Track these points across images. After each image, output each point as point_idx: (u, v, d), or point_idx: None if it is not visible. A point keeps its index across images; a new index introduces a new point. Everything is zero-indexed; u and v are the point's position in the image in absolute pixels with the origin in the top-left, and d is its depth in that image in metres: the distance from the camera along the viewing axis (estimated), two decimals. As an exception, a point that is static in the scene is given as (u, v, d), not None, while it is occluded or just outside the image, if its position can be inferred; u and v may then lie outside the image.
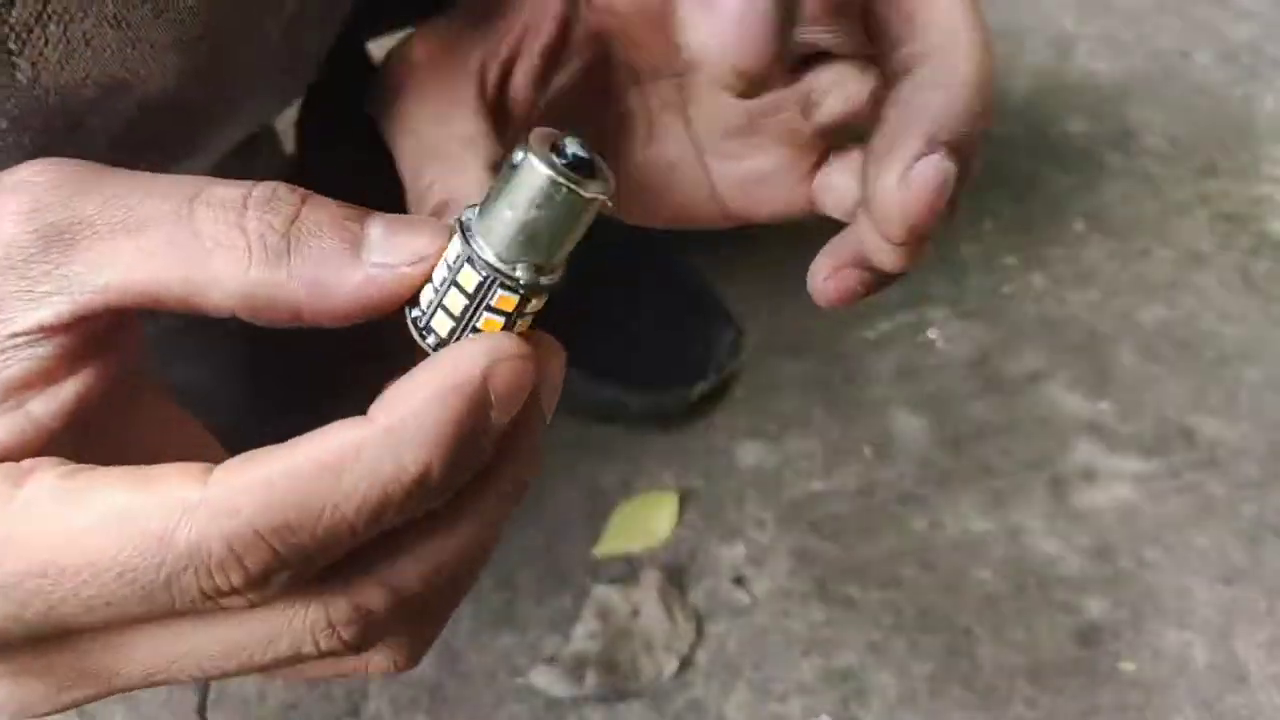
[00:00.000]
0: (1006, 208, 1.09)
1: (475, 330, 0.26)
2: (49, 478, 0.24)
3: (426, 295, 0.26)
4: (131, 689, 0.27)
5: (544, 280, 0.26)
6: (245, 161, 0.73)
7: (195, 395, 0.71)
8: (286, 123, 0.96)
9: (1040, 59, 1.30)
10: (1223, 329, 0.97)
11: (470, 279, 0.26)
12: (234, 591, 0.24)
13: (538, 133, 0.26)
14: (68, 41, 0.31)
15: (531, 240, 0.26)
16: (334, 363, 0.67)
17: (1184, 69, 1.28)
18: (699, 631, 0.75)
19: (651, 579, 0.76)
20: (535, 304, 0.27)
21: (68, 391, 0.26)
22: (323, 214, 0.26)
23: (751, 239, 1.03)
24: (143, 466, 0.24)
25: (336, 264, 0.25)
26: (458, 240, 0.26)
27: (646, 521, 0.81)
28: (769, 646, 0.75)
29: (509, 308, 0.26)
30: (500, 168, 0.26)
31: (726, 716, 0.71)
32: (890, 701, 0.72)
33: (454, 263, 0.26)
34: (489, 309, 0.26)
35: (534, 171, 0.25)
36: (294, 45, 0.43)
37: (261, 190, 0.26)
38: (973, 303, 0.99)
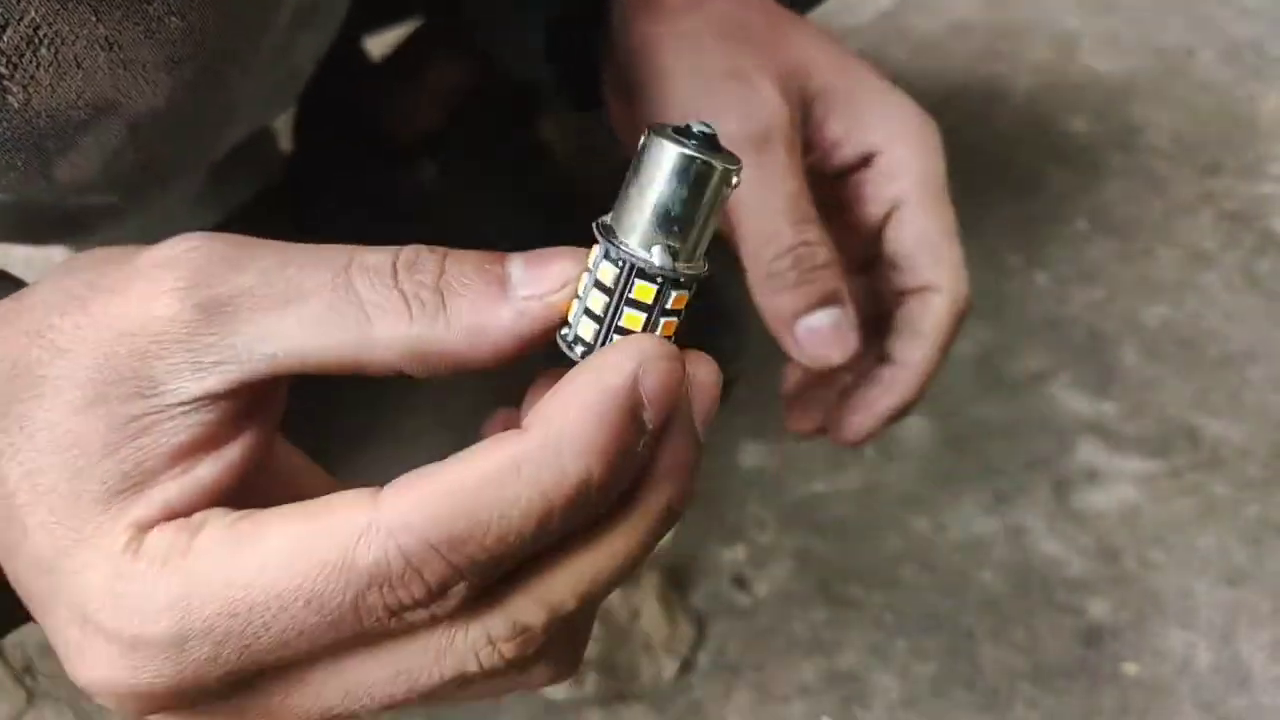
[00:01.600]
0: (1009, 206, 1.09)
1: (619, 329, 0.27)
2: (221, 525, 0.26)
3: (573, 311, 0.27)
4: None
5: (681, 267, 0.26)
6: (239, 161, 0.73)
7: None
8: (284, 121, 0.95)
9: (1043, 57, 1.30)
10: (1226, 328, 0.96)
11: (609, 273, 0.26)
12: (416, 604, 0.25)
13: (659, 124, 0.26)
14: (59, 64, 0.32)
15: (664, 220, 0.26)
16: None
17: (1187, 67, 1.28)
18: (700, 633, 0.75)
19: (652, 581, 0.76)
20: (676, 298, 0.27)
21: (233, 453, 0.27)
22: (466, 264, 0.27)
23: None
24: (307, 501, 0.25)
25: (489, 307, 0.26)
26: (597, 245, 0.27)
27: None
28: (770, 648, 0.74)
29: (648, 298, 0.27)
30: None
31: (727, 718, 0.71)
32: (892, 703, 0.72)
33: (593, 265, 0.27)
34: (629, 303, 0.27)
35: (663, 149, 0.25)
36: (285, 60, 0.44)
37: (407, 253, 0.27)
38: (975, 301, 0.99)
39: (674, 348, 0.26)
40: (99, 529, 0.26)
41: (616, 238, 0.26)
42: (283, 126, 0.95)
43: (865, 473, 0.85)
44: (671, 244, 0.26)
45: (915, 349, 0.49)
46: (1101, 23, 1.35)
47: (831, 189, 0.51)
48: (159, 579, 0.25)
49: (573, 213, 0.91)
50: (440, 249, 0.27)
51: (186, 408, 0.26)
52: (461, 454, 0.25)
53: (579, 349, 0.27)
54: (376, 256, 0.27)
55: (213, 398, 0.26)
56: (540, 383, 0.30)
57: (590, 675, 0.71)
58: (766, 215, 0.45)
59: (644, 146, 0.26)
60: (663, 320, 0.27)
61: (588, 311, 0.27)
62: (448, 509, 0.24)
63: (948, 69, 1.29)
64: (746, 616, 0.76)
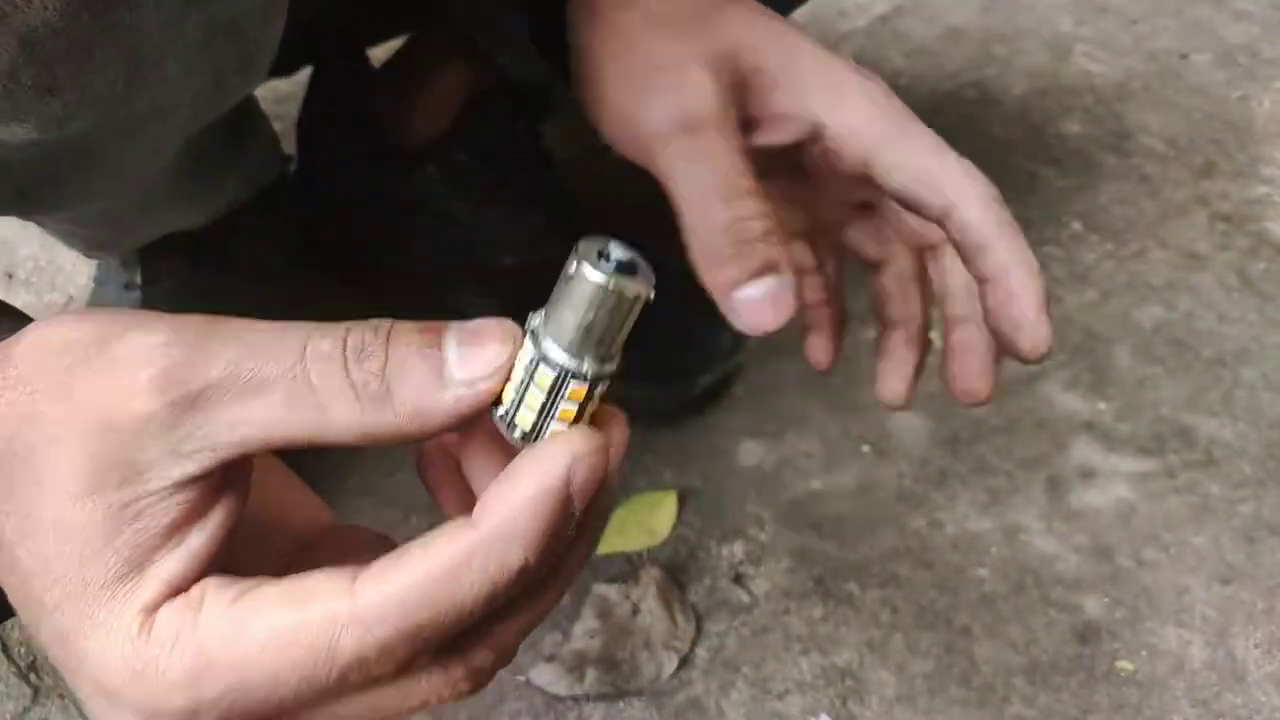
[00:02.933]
0: (1004, 208, 1.10)
1: (554, 419, 0.31)
2: (220, 603, 0.30)
3: (508, 394, 0.31)
4: None
5: (607, 368, 0.31)
6: (228, 159, 0.73)
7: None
8: (287, 124, 0.96)
9: (1037, 61, 1.31)
10: (1220, 329, 0.97)
11: (546, 378, 0.30)
12: (388, 674, 0.30)
13: (586, 241, 0.29)
14: None
15: (591, 337, 0.30)
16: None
17: (1181, 70, 1.28)
18: (698, 629, 0.75)
19: (651, 577, 0.76)
20: (602, 386, 0.31)
21: (216, 521, 0.31)
22: (407, 350, 0.30)
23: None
24: (295, 581, 0.30)
25: (429, 394, 0.30)
26: (530, 344, 0.30)
27: (646, 520, 0.81)
28: (768, 644, 0.75)
29: (581, 396, 0.31)
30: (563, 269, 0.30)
31: (726, 714, 0.71)
32: (888, 699, 0.72)
33: (529, 364, 0.30)
34: (564, 399, 0.31)
35: (585, 280, 0.29)
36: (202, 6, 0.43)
37: (354, 340, 0.30)
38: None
39: (600, 438, 0.31)
40: (110, 613, 0.30)
41: (547, 341, 0.30)
42: (285, 128, 0.95)
43: (862, 471, 0.85)
44: (599, 353, 0.30)
45: (994, 257, 0.49)
46: (1095, 26, 1.36)
47: (794, 157, 0.52)
48: (171, 659, 0.29)
49: (573, 214, 0.92)
50: (385, 328, 0.30)
51: (171, 490, 0.30)
52: (423, 542, 0.30)
53: (516, 433, 0.31)
54: (328, 343, 0.30)
55: (193, 479, 0.30)
56: (479, 458, 0.35)
57: (590, 671, 0.71)
58: (701, 196, 0.47)
59: (571, 274, 0.29)
60: (590, 404, 0.31)
61: (525, 405, 0.31)
62: (414, 601, 0.29)
63: (943, 73, 1.30)
64: (744, 613, 0.77)
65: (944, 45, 1.34)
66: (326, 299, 0.95)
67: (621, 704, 0.72)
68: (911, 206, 0.49)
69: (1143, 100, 1.24)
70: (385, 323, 0.31)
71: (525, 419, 0.31)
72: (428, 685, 0.32)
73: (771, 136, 0.51)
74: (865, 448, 0.87)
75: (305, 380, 0.29)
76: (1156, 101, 1.24)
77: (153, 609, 0.30)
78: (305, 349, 0.30)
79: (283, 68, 0.89)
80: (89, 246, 0.72)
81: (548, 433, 0.31)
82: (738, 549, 0.80)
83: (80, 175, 0.47)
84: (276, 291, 0.89)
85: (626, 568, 0.79)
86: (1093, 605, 0.77)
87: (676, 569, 0.79)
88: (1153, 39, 1.33)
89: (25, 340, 0.32)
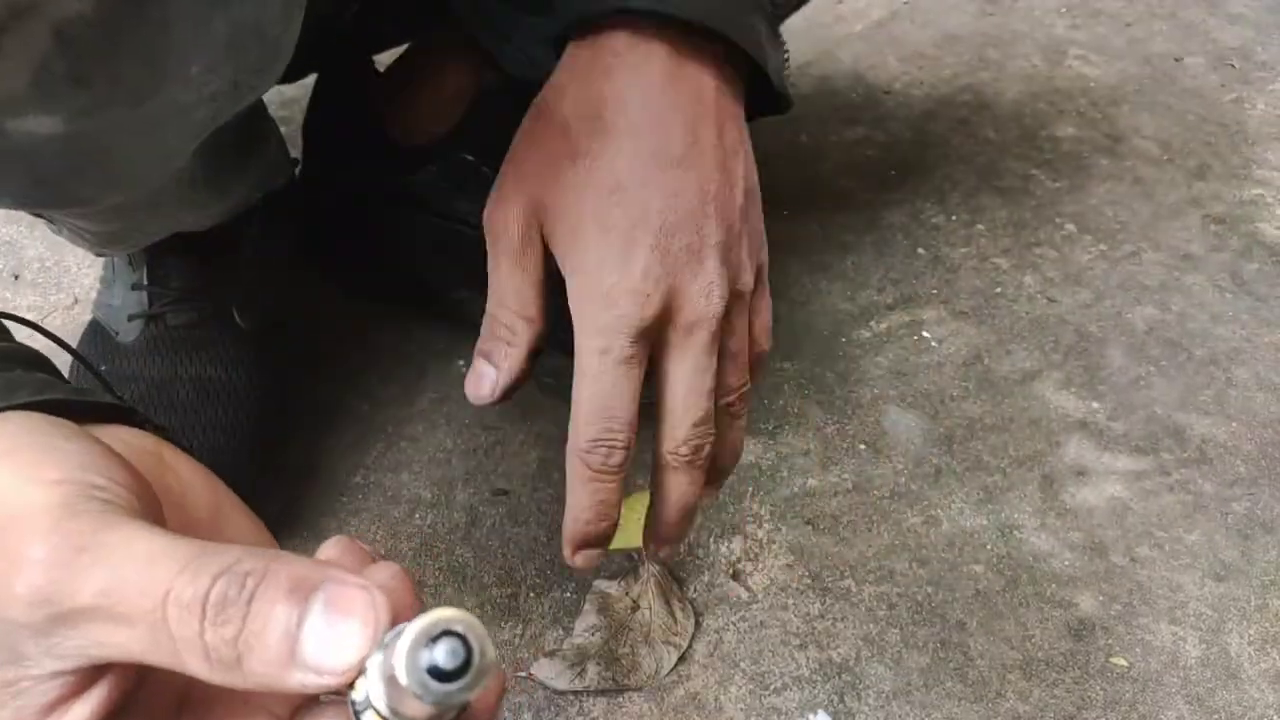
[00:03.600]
0: (998, 210, 1.11)
1: None
2: None
3: (360, 689, 0.30)
4: None
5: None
6: (243, 157, 0.74)
7: (213, 385, 0.73)
8: (294, 127, 0.97)
9: (1031, 64, 1.32)
10: (1213, 329, 0.98)
11: None
12: None
13: (417, 623, 0.28)
14: None
15: (413, 713, 0.30)
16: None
17: (1175, 73, 1.29)
18: (697, 625, 0.76)
19: (651, 573, 0.77)
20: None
21: (99, 694, 0.32)
22: (264, 622, 0.30)
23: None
24: None
25: (278, 672, 0.30)
26: (374, 668, 0.30)
27: (646, 517, 0.82)
28: (766, 640, 0.75)
29: None
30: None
31: (724, 709, 0.72)
32: (884, 694, 0.73)
33: (366, 697, 0.30)
34: None
35: (396, 679, 0.28)
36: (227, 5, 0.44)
37: (217, 594, 0.30)
38: (965, 303, 1.00)
39: None
40: None
41: (380, 684, 0.30)
42: (292, 132, 0.96)
43: (858, 469, 0.86)
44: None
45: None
46: (1089, 30, 1.37)
47: None
48: None
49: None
50: (253, 582, 0.31)
51: (49, 676, 0.31)
52: None
53: None
54: (190, 592, 0.30)
55: (69, 670, 0.32)
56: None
57: (591, 666, 0.72)
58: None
59: (398, 646, 0.28)
60: None
61: (372, 710, 0.30)
62: None
63: (938, 78, 1.30)
64: (742, 609, 0.77)
65: (939, 50, 1.35)
66: (330, 298, 0.96)
67: (621, 699, 0.72)
68: None
69: (1136, 103, 1.25)
70: (259, 573, 0.31)
71: None
72: None
73: None
74: (861, 446, 0.88)
75: (164, 627, 0.30)
76: (1150, 104, 1.25)
77: None
78: (169, 595, 0.30)
79: (290, 74, 0.90)
80: (96, 244, 0.73)
81: None
82: (736, 546, 0.81)
83: (97, 171, 0.47)
84: (280, 290, 0.89)
85: (626, 564, 0.79)
86: (1087, 602, 0.78)
87: (676, 565, 0.79)
88: (1147, 42, 1.34)
89: None
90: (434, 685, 0.28)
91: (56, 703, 0.32)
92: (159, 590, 0.30)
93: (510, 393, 0.58)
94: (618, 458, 0.55)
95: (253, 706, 0.37)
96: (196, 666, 0.31)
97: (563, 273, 0.55)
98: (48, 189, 0.47)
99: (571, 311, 0.54)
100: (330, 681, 0.30)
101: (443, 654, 0.28)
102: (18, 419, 0.35)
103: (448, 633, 0.28)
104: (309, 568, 0.31)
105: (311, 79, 0.92)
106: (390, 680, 0.29)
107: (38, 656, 0.31)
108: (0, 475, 0.33)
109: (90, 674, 0.32)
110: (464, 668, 0.28)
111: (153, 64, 0.42)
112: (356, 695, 0.30)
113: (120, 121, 0.43)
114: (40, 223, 0.71)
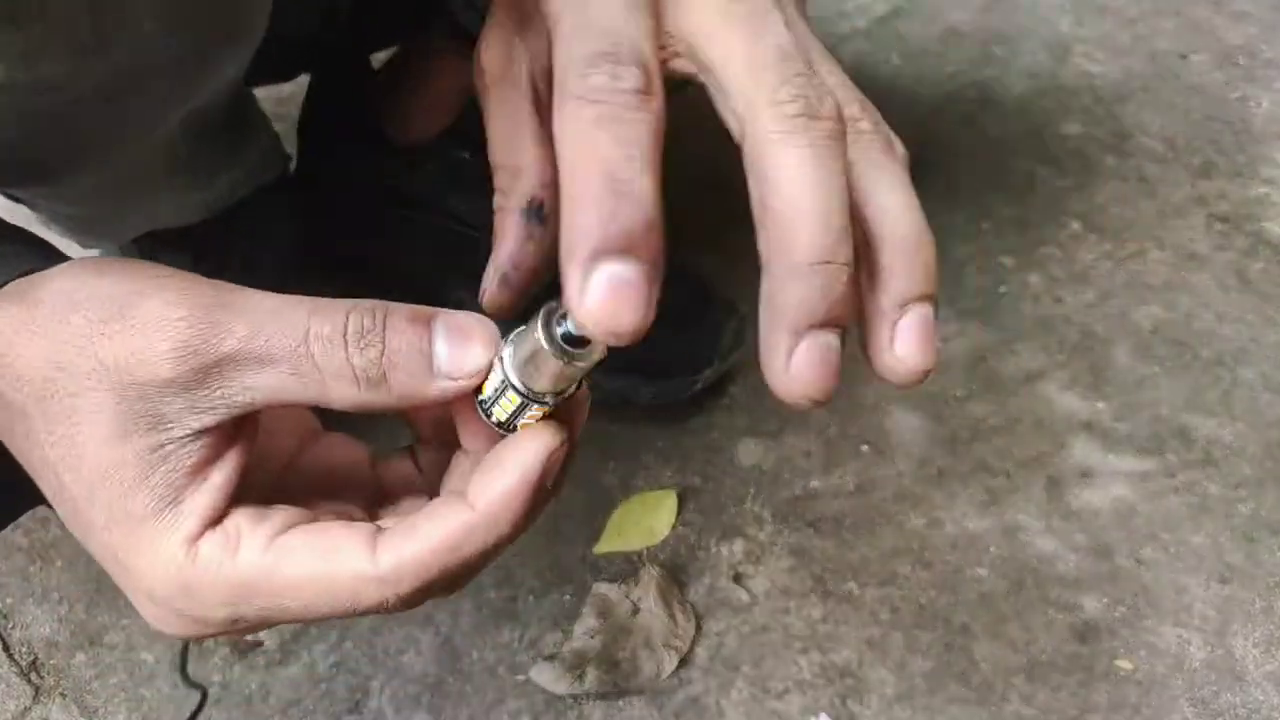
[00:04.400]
0: (1003, 209, 1.10)
1: (525, 418, 0.36)
2: (255, 545, 0.35)
3: (488, 387, 0.36)
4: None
5: (567, 393, 0.36)
6: (229, 143, 0.73)
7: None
8: (289, 124, 0.96)
9: (1037, 61, 1.31)
10: (1219, 329, 0.97)
11: (512, 400, 0.35)
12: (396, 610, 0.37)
13: (546, 307, 0.34)
14: None
15: (542, 384, 0.35)
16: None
17: (1180, 71, 1.29)
18: (698, 628, 0.75)
19: (651, 576, 0.76)
20: (567, 393, 0.36)
21: (233, 459, 0.36)
22: (401, 342, 0.34)
23: (752, 241, 1.04)
24: (321, 534, 0.36)
25: (419, 384, 0.35)
26: (499, 367, 0.35)
27: (646, 519, 0.81)
28: (767, 643, 0.75)
29: (544, 412, 0.36)
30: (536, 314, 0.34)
31: (725, 713, 0.72)
32: (888, 698, 0.72)
33: (500, 383, 0.35)
34: (530, 413, 0.36)
35: (539, 345, 0.34)
36: None
37: (354, 324, 0.34)
38: (969, 303, 1.00)
39: (563, 433, 0.36)
40: (155, 540, 0.35)
41: (514, 376, 0.35)
42: (287, 129, 0.95)
43: (861, 470, 0.85)
44: (555, 388, 0.35)
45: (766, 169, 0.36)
46: (1095, 27, 1.36)
47: None
48: (216, 582, 0.35)
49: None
50: (380, 314, 0.35)
51: (192, 437, 0.35)
52: (429, 516, 0.36)
53: (493, 419, 0.36)
54: (329, 325, 0.34)
55: (210, 428, 0.35)
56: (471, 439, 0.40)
57: (590, 670, 0.72)
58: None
59: (533, 333, 0.34)
60: (556, 405, 0.36)
61: (500, 405, 0.36)
62: (424, 567, 0.35)
63: (942, 74, 1.30)
64: (744, 612, 0.77)
65: (944, 46, 1.34)
66: (326, 296, 0.96)
67: (621, 703, 0.72)
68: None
69: (1142, 101, 1.24)
70: (380, 309, 0.35)
71: (500, 415, 0.36)
72: (418, 601, 0.37)
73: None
74: (864, 447, 0.87)
75: (309, 359, 0.34)
76: (1155, 102, 1.24)
77: (194, 540, 0.35)
78: (309, 333, 0.34)
79: (285, 72, 0.89)
80: (82, 234, 0.72)
81: (520, 424, 0.36)
82: (737, 548, 0.80)
83: (58, 140, 0.47)
84: (274, 288, 0.89)
85: (626, 567, 0.79)
86: (1092, 604, 0.77)
87: (676, 568, 0.79)
88: (1152, 39, 1.33)
89: (52, 285, 0.36)
90: (572, 349, 0.33)
91: (200, 465, 0.35)
92: (298, 330, 0.34)
93: (522, 287, 0.43)
94: (632, 79, 0.34)
95: (339, 489, 0.41)
96: (343, 392, 0.34)
97: None
98: (8, 162, 0.47)
99: None
100: (465, 385, 0.35)
101: (572, 325, 0.33)
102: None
103: (566, 315, 0.33)
104: (415, 306, 0.36)
105: (307, 77, 0.92)
106: (524, 360, 0.34)
107: (180, 416, 0.34)
108: (113, 271, 0.36)
109: (227, 436, 0.35)
110: (586, 339, 0.34)
111: (93, 8, 0.41)
112: (485, 394, 0.36)
113: (70, 78, 0.43)
114: (21, 211, 0.70)
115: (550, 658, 0.73)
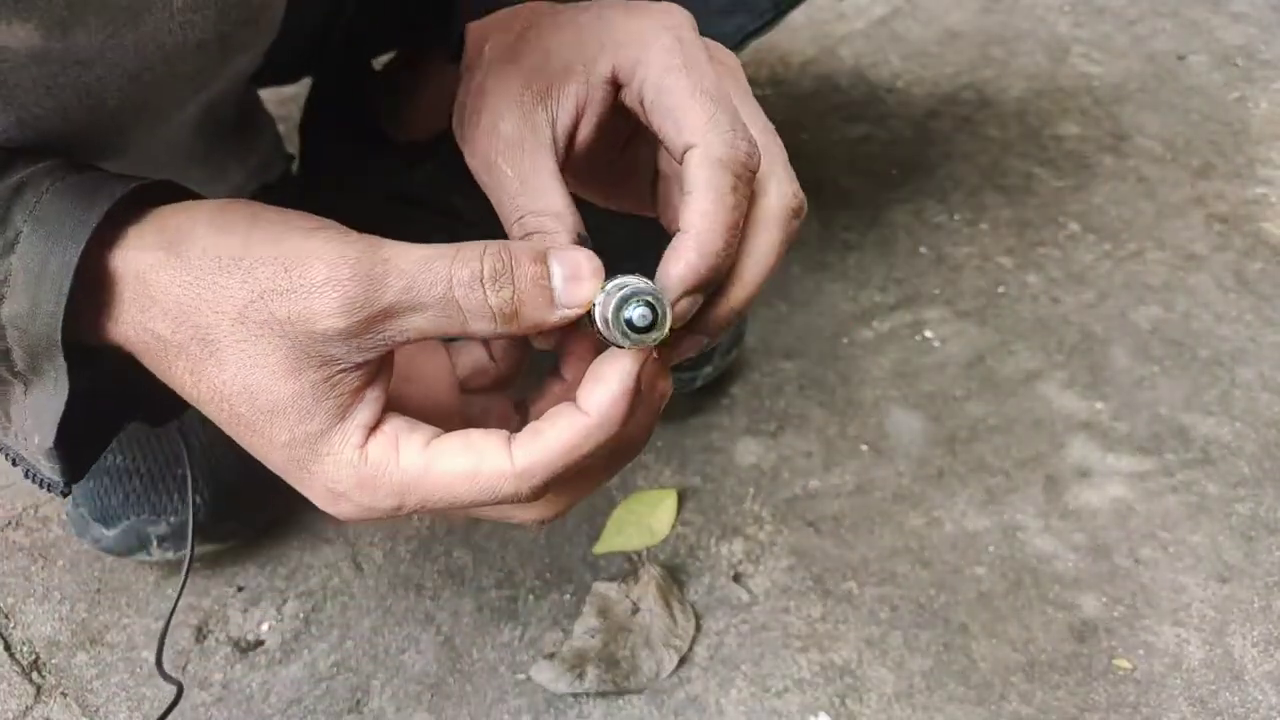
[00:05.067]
0: (1001, 210, 1.10)
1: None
2: (414, 446, 0.43)
3: (597, 312, 0.42)
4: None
5: (655, 336, 0.42)
6: (237, 141, 0.73)
7: None
8: (291, 125, 0.96)
9: (1035, 62, 1.31)
10: (1217, 329, 0.97)
11: (607, 339, 0.43)
12: (525, 501, 0.44)
13: (621, 293, 0.41)
14: None
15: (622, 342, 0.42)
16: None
17: (1178, 72, 1.29)
18: (698, 627, 0.75)
19: (651, 575, 0.76)
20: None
21: (384, 378, 0.44)
22: (527, 282, 0.42)
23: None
24: (466, 437, 0.43)
25: (544, 315, 0.42)
26: (596, 308, 0.42)
27: (646, 519, 0.81)
28: (767, 642, 0.75)
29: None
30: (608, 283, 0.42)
31: (725, 712, 0.72)
32: (887, 697, 0.72)
33: (598, 321, 0.42)
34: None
35: (616, 333, 0.42)
36: None
37: (489, 267, 0.41)
38: (968, 303, 1.00)
39: (655, 361, 0.45)
40: (332, 448, 0.43)
41: (600, 323, 0.42)
42: (289, 130, 0.95)
43: (860, 470, 0.86)
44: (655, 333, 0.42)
45: (689, 209, 0.44)
46: (1093, 28, 1.36)
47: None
48: (384, 477, 0.43)
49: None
50: (507, 258, 0.41)
51: (355, 368, 0.42)
52: (552, 422, 0.43)
53: (600, 334, 0.42)
54: (468, 270, 0.41)
55: (370, 361, 0.42)
56: (579, 354, 0.49)
57: (591, 669, 0.72)
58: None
59: (614, 304, 0.41)
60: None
61: (608, 330, 0.42)
62: (551, 463, 0.42)
63: (940, 75, 1.30)
64: (744, 611, 0.77)
65: (942, 47, 1.34)
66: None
67: (621, 701, 0.72)
68: (663, 142, 0.46)
69: (1140, 102, 1.24)
70: (506, 250, 0.42)
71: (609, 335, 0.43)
72: (543, 508, 0.47)
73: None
74: (863, 447, 0.87)
75: (454, 304, 0.41)
76: (1154, 103, 1.24)
77: (363, 445, 0.43)
78: (452, 280, 0.41)
79: (287, 75, 0.89)
80: None
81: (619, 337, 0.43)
82: (737, 548, 0.81)
83: (82, 114, 0.47)
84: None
85: (626, 566, 0.79)
86: (1090, 604, 0.77)
87: (676, 567, 0.79)
88: (1150, 41, 1.34)
89: (200, 235, 0.43)
90: (633, 335, 0.41)
91: (362, 387, 0.43)
92: (443, 279, 0.41)
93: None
94: (756, 159, 0.45)
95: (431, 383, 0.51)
96: (482, 327, 0.42)
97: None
98: (29, 130, 0.48)
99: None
100: (578, 313, 0.42)
101: (637, 315, 0.41)
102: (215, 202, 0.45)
103: (640, 298, 0.41)
104: (532, 242, 0.44)
105: (309, 79, 0.92)
106: (603, 317, 0.42)
107: (347, 355, 0.41)
108: (266, 224, 0.43)
109: (379, 363, 0.43)
110: (652, 324, 0.42)
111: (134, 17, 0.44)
112: (594, 313, 0.42)
113: (100, 51, 0.45)
114: None
115: (551, 657, 0.73)
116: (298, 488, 0.46)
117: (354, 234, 0.43)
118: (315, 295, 0.41)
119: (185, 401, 0.46)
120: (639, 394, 0.43)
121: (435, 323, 0.41)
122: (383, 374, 0.44)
